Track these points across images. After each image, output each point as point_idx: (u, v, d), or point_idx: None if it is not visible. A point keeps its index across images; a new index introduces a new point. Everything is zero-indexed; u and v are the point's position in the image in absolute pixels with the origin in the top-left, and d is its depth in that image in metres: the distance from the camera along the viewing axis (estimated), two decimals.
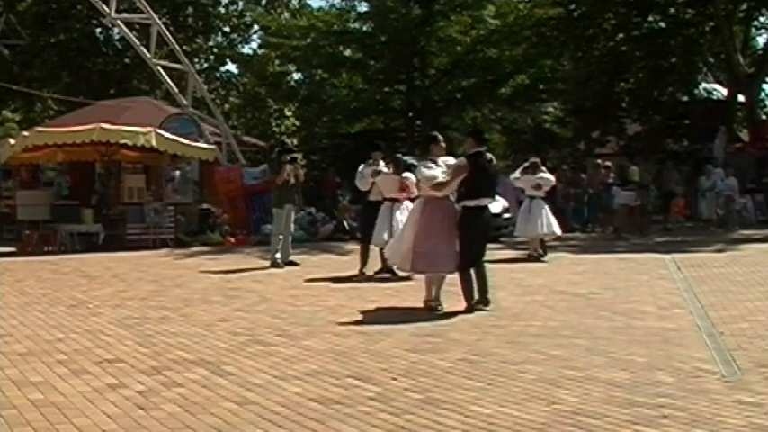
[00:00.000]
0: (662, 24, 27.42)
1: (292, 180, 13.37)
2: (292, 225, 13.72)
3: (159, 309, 8.78)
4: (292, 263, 13.14)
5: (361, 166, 12.04)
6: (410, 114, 27.53)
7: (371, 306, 8.94)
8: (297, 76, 32.11)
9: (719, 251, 14.85)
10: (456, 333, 7.31)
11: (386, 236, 11.24)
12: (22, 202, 18.24)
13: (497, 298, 9.45)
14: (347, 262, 13.37)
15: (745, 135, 27.12)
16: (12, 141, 16.98)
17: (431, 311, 8.33)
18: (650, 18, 27.34)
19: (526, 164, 14.65)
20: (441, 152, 8.92)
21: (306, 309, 8.81)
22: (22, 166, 19.12)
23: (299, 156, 29.90)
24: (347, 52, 27.60)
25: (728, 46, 24.90)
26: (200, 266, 13.14)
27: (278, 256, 13.07)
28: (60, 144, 16.63)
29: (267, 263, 13.18)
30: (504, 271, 12.29)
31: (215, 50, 35.64)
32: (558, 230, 14.03)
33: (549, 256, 13.82)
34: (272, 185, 13.68)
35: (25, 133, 17.54)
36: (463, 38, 26.22)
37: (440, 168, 8.59)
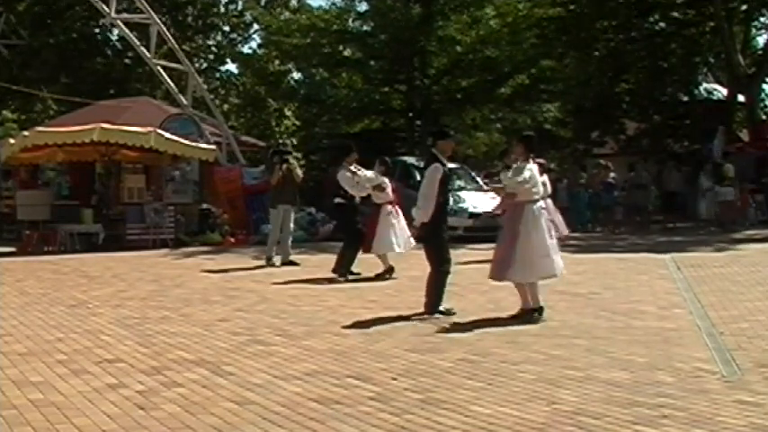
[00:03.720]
0: (662, 25, 27.41)
1: (293, 179, 13.42)
2: (292, 225, 13.70)
3: (159, 309, 8.78)
4: (292, 263, 13.15)
5: (369, 172, 11.77)
6: (410, 114, 27.53)
7: (371, 306, 8.94)
8: (297, 75, 32.16)
9: (719, 251, 14.85)
10: (456, 333, 7.30)
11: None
12: (22, 202, 18.22)
13: (497, 298, 9.46)
14: None
15: (745, 135, 27.11)
16: (12, 141, 16.97)
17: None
18: (650, 18, 27.32)
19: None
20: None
21: (306, 309, 8.81)
22: (21, 166, 19.10)
23: (299, 155, 30.04)
24: (347, 52, 27.61)
25: (728, 46, 24.88)
26: (200, 266, 13.14)
27: (274, 255, 13.15)
28: (60, 144, 16.63)
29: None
30: None
31: (215, 50, 35.66)
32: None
33: None
34: (269, 186, 13.76)
35: (25, 133, 17.53)
36: (463, 37, 26.21)
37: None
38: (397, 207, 11.71)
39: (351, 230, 12.03)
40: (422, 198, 8.26)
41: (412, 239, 11.43)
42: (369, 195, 11.86)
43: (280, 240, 13.43)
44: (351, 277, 11.47)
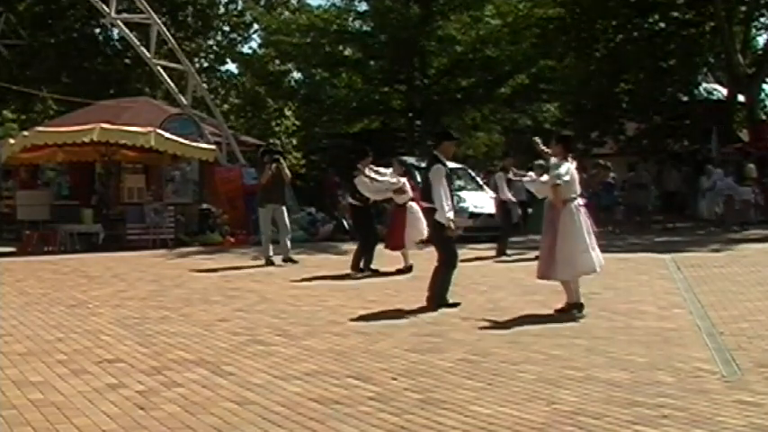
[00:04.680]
0: (662, 25, 27.41)
1: (282, 179, 13.53)
2: (287, 224, 13.76)
3: (159, 309, 8.78)
4: (291, 260, 13.26)
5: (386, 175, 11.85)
6: (410, 114, 27.53)
7: (371, 306, 8.94)
8: (297, 75, 32.15)
9: (719, 251, 14.84)
10: (456, 333, 7.31)
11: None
12: (22, 202, 18.23)
13: (497, 298, 9.47)
14: (347, 262, 13.35)
15: (745, 135, 27.12)
16: (12, 141, 16.96)
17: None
18: (650, 19, 27.32)
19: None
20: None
21: (306, 309, 8.81)
22: (21, 166, 19.10)
23: (299, 155, 30.08)
24: (347, 52, 27.61)
25: (728, 46, 24.89)
26: (200, 266, 13.14)
27: (270, 253, 13.24)
28: (60, 144, 16.63)
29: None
30: (504, 271, 12.31)
31: (215, 50, 35.64)
32: None
33: None
34: (258, 185, 13.88)
35: (25, 133, 17.52)
36: (463, 37, 26.22)
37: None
38: (415, 204, 11.85)
39: (366, 232, 12.14)
40: (438, 199, 8.41)
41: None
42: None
43: (278, 240, 13.51)
44: (361, 274, 11.64)
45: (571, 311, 8.07)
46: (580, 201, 8.30)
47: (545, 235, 8.26)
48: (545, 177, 8.58)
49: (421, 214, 11.65)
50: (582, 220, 8.14)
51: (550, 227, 8.13)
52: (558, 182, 8.05)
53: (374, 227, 12.36)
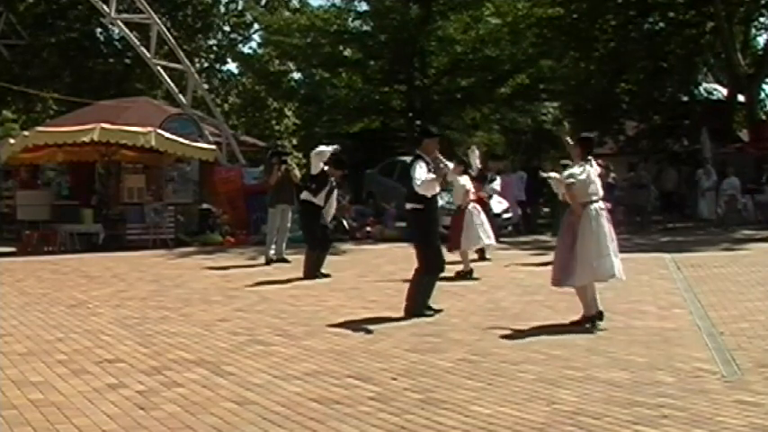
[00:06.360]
0: (662, 25, 27.41)
1: (291, 180, 13.54)
2: (289, 224, 13.81)
3: (159, 309, 8.78)
4: (284, 260, 13.30)
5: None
6: (410, 114, 27.51)
7: (371, 306, 8.94)
8: (297, 75, 32.18)
9: (720, 251, 14.84)
10: (456, 333, 7.31)
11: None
12: (22, 202, 18.21)
13: (497, 298, 9.47)
14: (347, 262, 13.39)
15: (745, 135, 27.12)
16: (12, 141, 16.96)
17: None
18: (650, 18, 27.32)
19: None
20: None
21: (306, 309, 8.82)
22: (22, 166, 19.10)
23: (300, 155, 30.07)
24: (347, 52, 27.62)
25: (728, 46, 24.89)
26: (200, 266, 13.16)
27: (272, 253, 13.30)
28: (60, 144, 16.62)
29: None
30: (504, 271, 12.31)
31: (215, 50, 35.67)
32: None
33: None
34: (267, 186, 13.87)
35: (25, 133, 17.53)
36: (463, 37, 26.22)
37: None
38: (478, 206, 11.97)
39: (311, 231, 11.91)
40: (417, 181, 8.08)
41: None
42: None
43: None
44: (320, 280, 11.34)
45: (586, 324, 7.51)
46: (602, 204, 7.83)
47: (562, 239, 7.85)
48: (559, 175, 8.28)
49: (476, 219, 11.67)
50: (603, 223, 7.66)
51: (569, 231, 7.69)
52: (571, 181, 7.66)
53: (320, 227, 11.90)
